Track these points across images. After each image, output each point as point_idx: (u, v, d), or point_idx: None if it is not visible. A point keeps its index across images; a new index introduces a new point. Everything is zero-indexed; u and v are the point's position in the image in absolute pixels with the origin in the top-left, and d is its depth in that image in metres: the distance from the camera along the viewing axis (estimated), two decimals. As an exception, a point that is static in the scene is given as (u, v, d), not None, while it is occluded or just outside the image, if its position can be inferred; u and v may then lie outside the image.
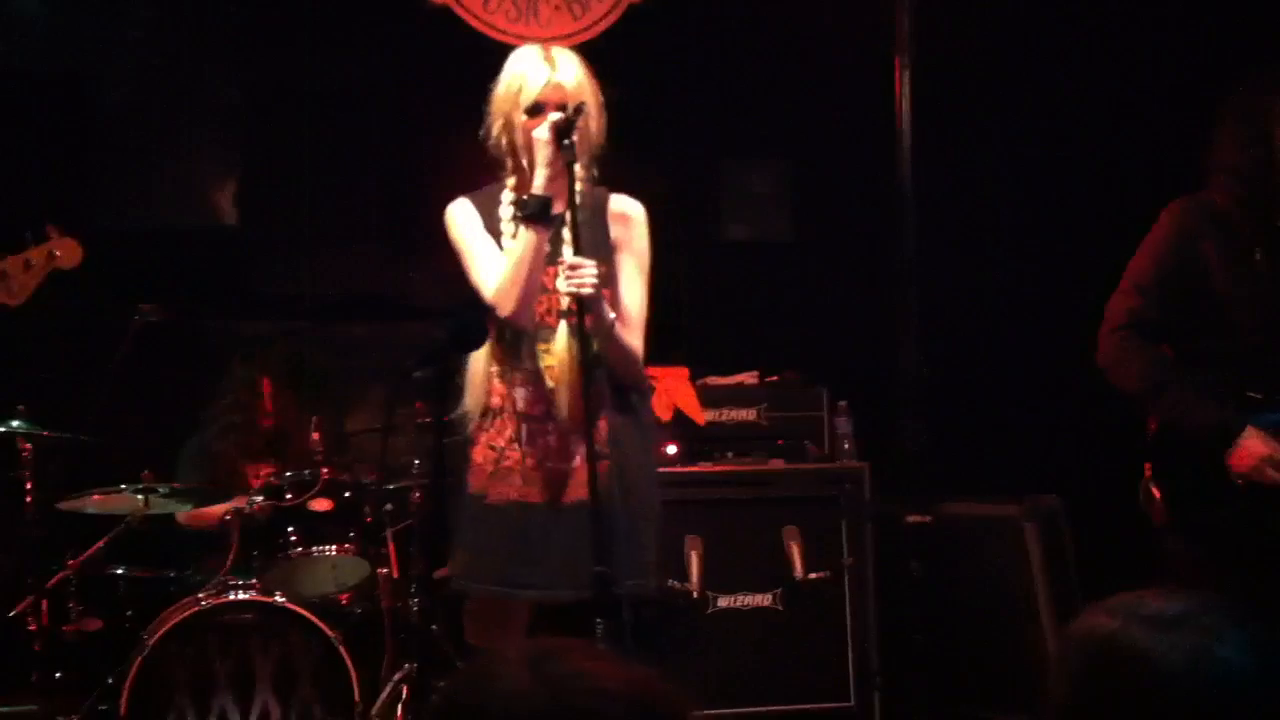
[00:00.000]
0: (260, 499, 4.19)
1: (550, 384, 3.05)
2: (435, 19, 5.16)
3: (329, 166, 5.28)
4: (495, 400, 3.11)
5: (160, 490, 4.13)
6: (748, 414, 4.79)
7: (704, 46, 5.42)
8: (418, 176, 5.02)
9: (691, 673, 4.31)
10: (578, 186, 2.95)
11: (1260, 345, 3.26)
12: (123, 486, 4.10)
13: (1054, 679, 1.43)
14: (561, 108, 2.97)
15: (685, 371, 4.83)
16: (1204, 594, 1.42)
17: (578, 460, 3.03)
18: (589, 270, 2.89)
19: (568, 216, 2.98)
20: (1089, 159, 5.19)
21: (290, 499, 4.19)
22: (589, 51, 5.18)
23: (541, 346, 3.07)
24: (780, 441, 4.77)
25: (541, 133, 2.95)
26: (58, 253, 3.21)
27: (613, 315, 3.05)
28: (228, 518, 4.19)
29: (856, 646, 4.57)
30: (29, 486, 4.05)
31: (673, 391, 4.76)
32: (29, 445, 4.03)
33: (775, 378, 4.91)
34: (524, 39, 5.21)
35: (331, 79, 5.22)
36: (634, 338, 3.13)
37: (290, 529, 4.20)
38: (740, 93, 5.46)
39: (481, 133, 3.14)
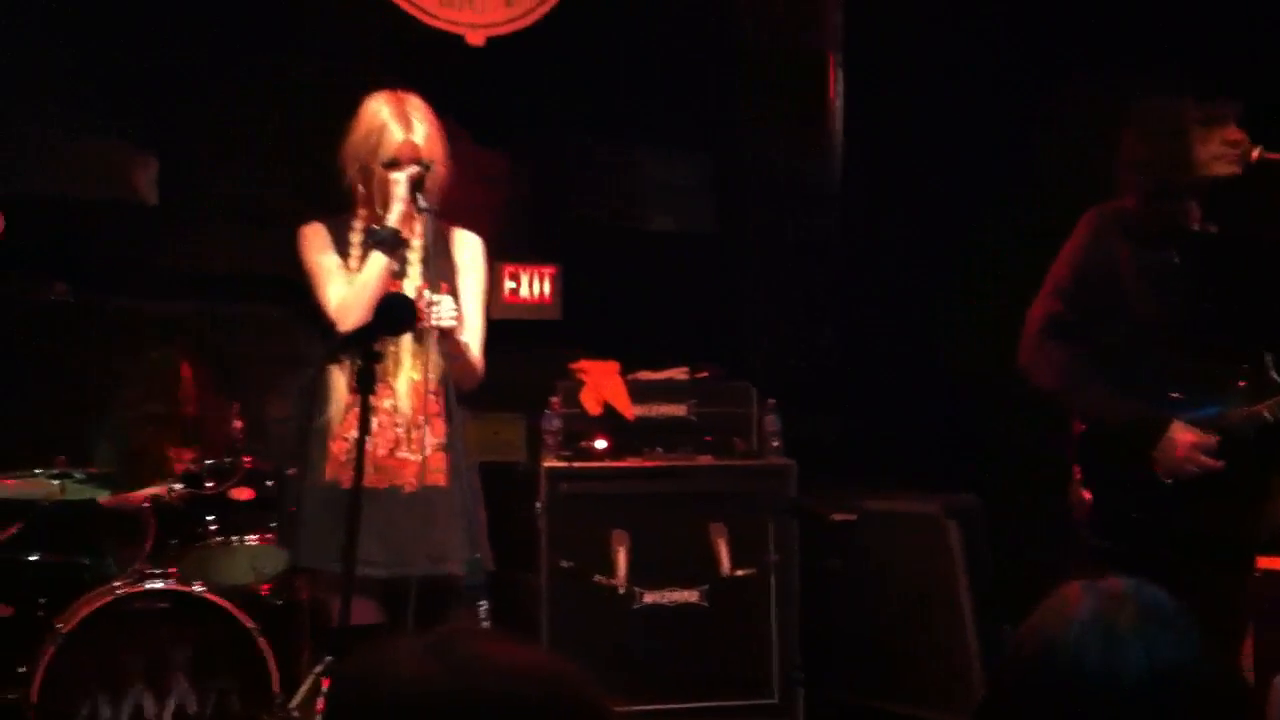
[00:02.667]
0: (179, 486, 4.12)
1: (393, 382, 3.40)
2: (366, 1, 5.09)
3: (247, 146, 5.19)
4: (350, 398, 3.38)
5: (76, 476, 4.05)
6: (677, 409, 4.78)
7: (636, 36, 5.41)
8: (329, 156, 4.93)
9: (616, 667, 4.30)
10: (430, 220, 3.35)
11: (1175, 346, 3.32)
12: (37, 471, 4.01)
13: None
14: (416, 161, 3.36)
15: (616, 366, 4.82)
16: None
17: (427, 451, 3.40)
18: (448, 306, 3.31)
19: (419, 253, 3.42)
20: (1017, 159, 5.24)
21: (210, 487, 4.12)
22: (521, 39, 5.27)
23: (391, 348, 3.39)
24: (709, 437, 4.77)
25: (400, 184, 3.34)
26: None
27: (465, 339, 3.41)
28: (145, 504, 4.11)
29: (781, 643, 4.58)
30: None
31: (602, 386, 4.74)
32: (-61, 428, 3.93)
33: (705, 374, 4.91)
34: (456, 24, 5.18)
35: (256, 58, 5.13)
36: (475, 350, 3.48)
37: (210, 518, 4.13)
38: (669, 83, 5.45)
39: (337, 170, 3.48)
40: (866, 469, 4.92)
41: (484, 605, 3.09)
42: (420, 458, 3.40)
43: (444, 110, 5.14)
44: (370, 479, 3.28)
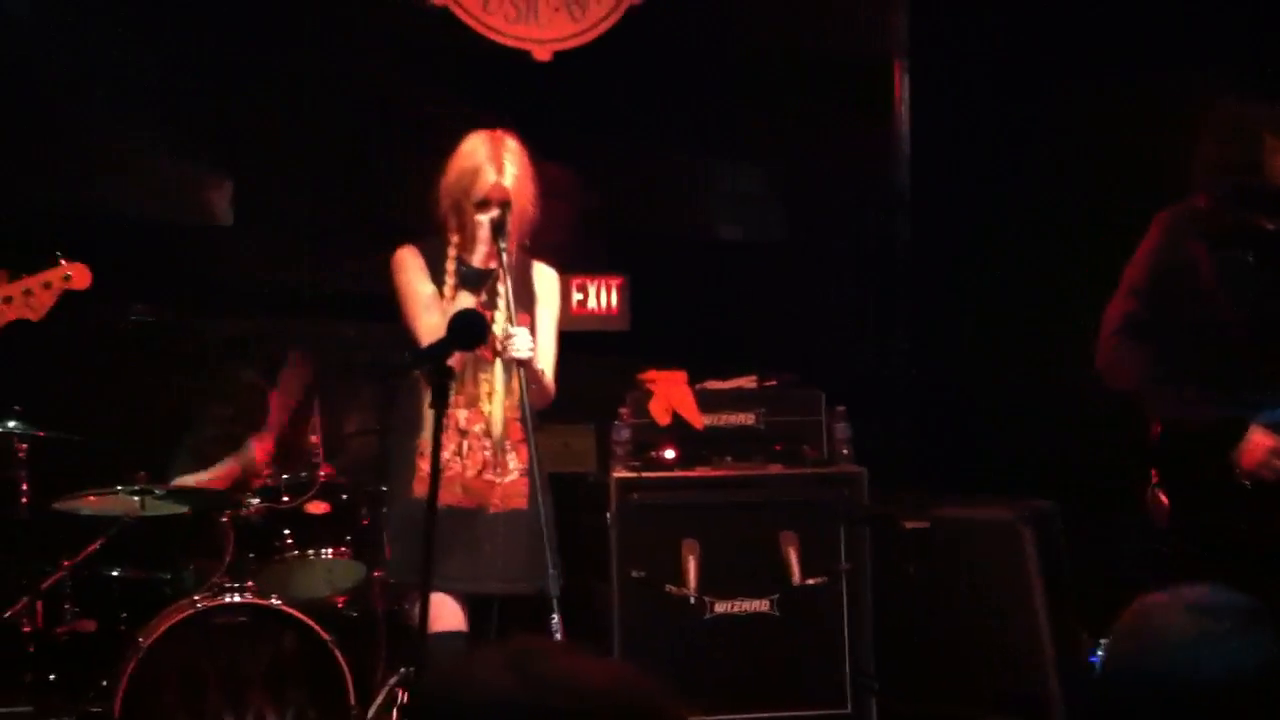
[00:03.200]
0: (256, 501, 4.18)
1: (486, 408, 3.60)
2: (435, 20, 5.15)
3: (324, 166, 5.27)
4: (451, 418, 3.55)
5: (156, 492, 4.12)
6: (746, 418, 4.77)
7: (702, 48, 5.42)
8: (412, 176, 5.00)
9: (688, 677, 4.30)
10: (507, 258, 3.54)
11: (1251, 344, 3.29)
12: (118, 488, 4.09)
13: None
14: (502, 204, 3.56)
15: (683, 375, 4.82)
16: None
17: (511, 475, 3.61)
18: (524, 340, 3.49)
19: (501, 288, 3.58)
20: (1090, 162, 5.18)
21: (287, 501, 4.18)
22: (587, 53, 5.30)
23: (482, 375, 3.60)
24: (778, 446, 4.75)
25: (483, 228, 3.55)
26: (70, 274, 3.58)
27: (540, 367, 3.61)
28: (224, 519, 4.17)
29: (853, 651, 4.55)
30: (24, 487, 4.05)
31: (671, 396, 4.74)
32: (24, 446, 4.02)
33: (773, 382, 4.89)
34: (523, 41, 5.23)
35: (328, 79, 5.20)
36: (549, 375, 3.68)
37: (286, 531, 4.19)
38: (731, 92, 5.46)
39: (431, 203, 3.68)
40: (940, 476, 4.88)
41: (555, 619, 3.21)
42: (504, 481, 3.61)
43: (512, 125, 5.21)
44: (458, 498, 3.54)
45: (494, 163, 3.58)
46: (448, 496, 3.47)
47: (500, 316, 3.59)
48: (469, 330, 3.21)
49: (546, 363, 3.65)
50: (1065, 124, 5.25)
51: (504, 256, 3.52)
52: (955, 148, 5.31)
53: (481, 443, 3.58)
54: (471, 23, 5.16)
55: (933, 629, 4.63)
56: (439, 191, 3.66)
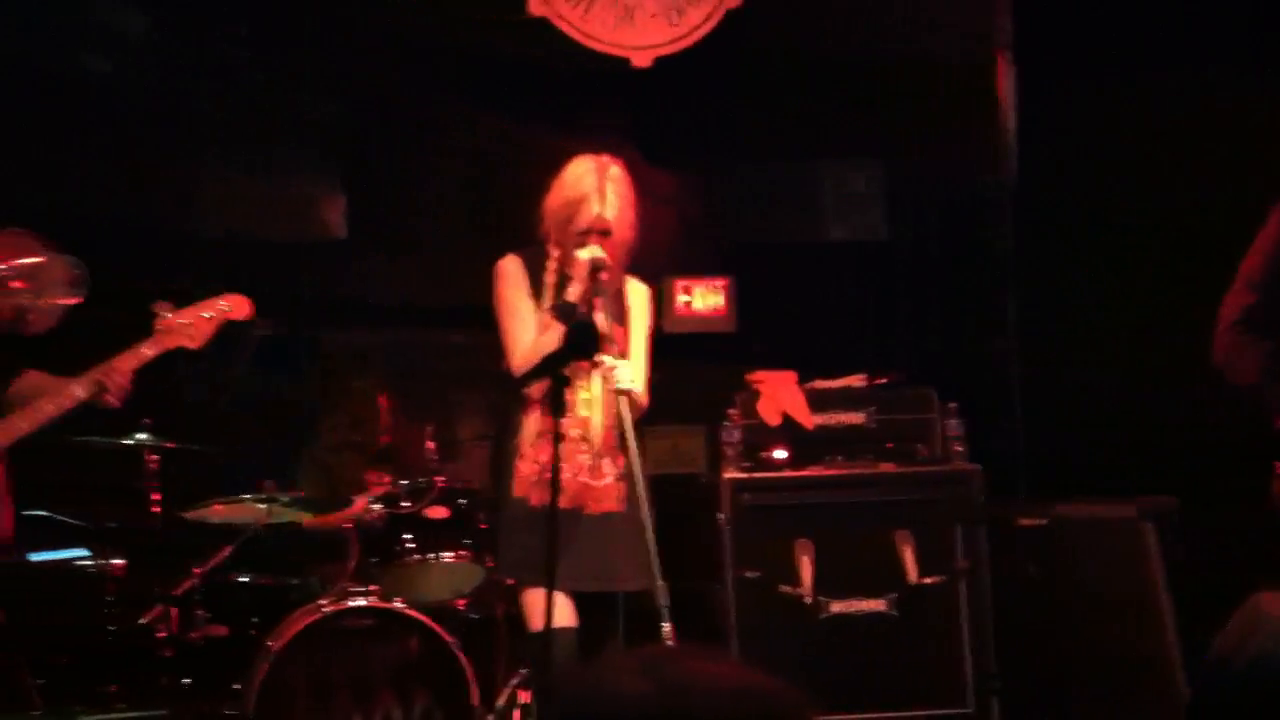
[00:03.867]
0: (378, 506, 4.27)
1: (584, 413, 3.68)
2: (533, 30, 5.21)
3: (435, 180, 5.36)
4: (540, 422, 3.67)
5: (281, 499, 4.23)
6: (856, 417, 4.76)
7: (803, 48, 5.40)
8: (518, 185, 5.08)
9: (806, 678, 4.29)
10: (604, 276, 3.64)
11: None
12: (245, 496, 4.20)
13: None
14: (603, 232, 3.66)
15: (793, 375, 4.82)
16: None
17: (606, 480, 3.69)
18: (626, 372, 3.57)
19: (599, 319, 3.64)
20: (1202, 153, 5.08)
21: (407, 507, 4.26)
22: (688, 57, 5.32)
23: (579, 382, 3.67)
24: (890, 444, 4.74)
25: (583, 266, 3.63)
26: (227, 305, 3.70)
27: (638, 389, 3.67)
28: (348, 525, 4.28)
29: (973, 651, 4.52)
30: (155, 497, 4.18)
31: (780, 396, 4.75)
32: (155, 457, 4.15)
33: (883, 380, 4.87)
34: (622, 48, 5.26)
35: (435, 94, 5.30)
36: (641, 386, 3.74)
37: (407, 536, 4.27)
38: (838, 93, 5.44)
39: (535, 218, 3.76)
40: (1057, 474, 4.82)
41: (667, 627, 3.24)
42: (600, 484, 3.70)
43: (614, 133, 5.26)
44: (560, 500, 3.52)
45: (598, 193, 3.66)
46: (546, 497, 3.52)
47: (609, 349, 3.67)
48: (585, 341, 3.33)
49: (638, 375, 3.73)
50: (1175, 116, 5.15)
51: (599, 298, 3.64)
52: (1062, 143, 5.23)
53: (579, 447, 3.67)
54: (571, 31, 5.20)
55: (1055, 628, 4.58)
56: (544, 210, 3.75)
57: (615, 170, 3.73)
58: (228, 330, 3.76)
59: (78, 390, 3.38)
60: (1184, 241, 4.99)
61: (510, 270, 3.77)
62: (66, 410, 3.50)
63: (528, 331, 3.70)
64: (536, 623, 3.61)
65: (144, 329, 3.70)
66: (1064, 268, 5.23)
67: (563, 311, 3.62)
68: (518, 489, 3.70)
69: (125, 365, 3.45)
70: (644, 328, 3.86)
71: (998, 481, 4.72)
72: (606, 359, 3.60)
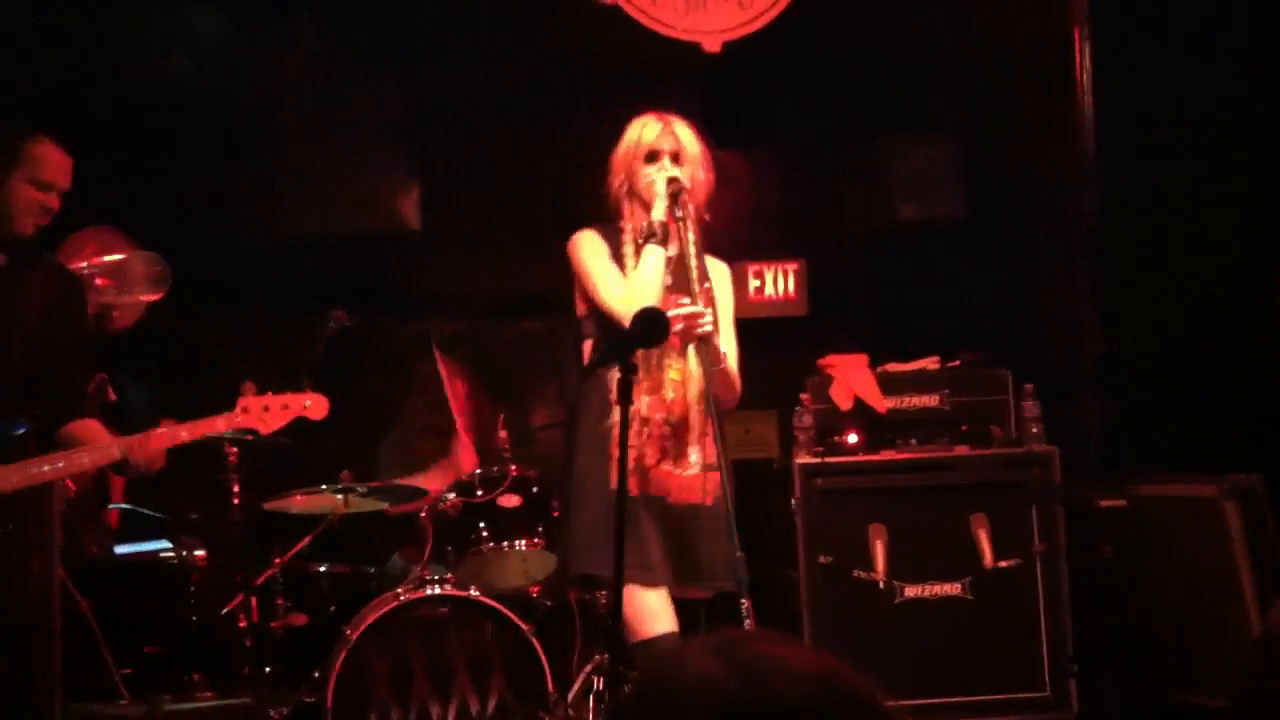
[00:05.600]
0: (452, 495, 4.31)
1: (670, 395, 3.47)
2: (605, 18, 5.20)
3: (501, 168, 5.39)
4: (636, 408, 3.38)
5: (359, 489, 4.28)
6: (930, 400, 4.72)
7: (874, 26, 5.35)
8: (588, 172, 5.08)
9: (881, 662, 4.28)
10: (686, 225, 3.43)
11: None
12: (323, 486, 4.26)
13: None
14: (675, 157, 3.50)
15: (865, 359, 4.79)
16: None
17: (692, 469, 3.46)
18: (706, 316, 3.35)
19: (691, 262, 3.44)
20: (1276, 124, 4.97)
21: (480, 495, 4.30)
22: (758, 39, 5.29)
23: (668, 362, 3.48)
24: (964, 427, 4.69)
25: (659, 182, 3.45)
26: (308, 404, 3.61)
27: (724, 350, 3.47)
28: (423, 514, 4.32)
29: (1050, 634, 4.47)
30: (235, 489, 4.25)
31: (852, 379, 4.72)
32: (234, 449, 4.22)
33: (956, 362, 4.83)
34: (692, 32, 5.25)
35: (501, 84, 5.32)
36: (733, 369, 3.56)
37: (481, 524, 4.30)
38: (909, 70, 5.38)
39: (604, 187, 3.60)
40: (1139, 454, 4.74)
41: (745, 604, 3.14)
42: (684, 474, 3.46)
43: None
44: (637, 486, 3.38)
45: (662, 122, 3.55)
46: (649, 489, 3.43)
47: (694, 288, 3.44)
48: (652, 327, 3.13)
49: (730, 357, 3.55)
50: (1257, 86, 5.05)
51: (684, 224, 3.42)
52: (1141, 118, 5.13)
53: (662, 430, 3.47)
54: (641, 18, 5.20)
55: (1135, 609, 4.52)
56: (611, 170, 3.60)
57: (679, 121, 3.60)
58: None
59: (114, 451, 3.34)
60: (1264, 215, 4.89)
61: (588, 239, 3.60)
62: (99, 466, 3.49)
63: (621, 285, 3.50)
64: (640, 627, 3.39)
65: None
66: (1144, 242, 5.13)
67: (648, 231, 3.45)
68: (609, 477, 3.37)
69: (162, 442, 3.36)
70: (729, 307, 3.65)
71: (1078, 462, 4.65)
72: (685, 303, 3.37)
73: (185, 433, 3.43)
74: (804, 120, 5.44)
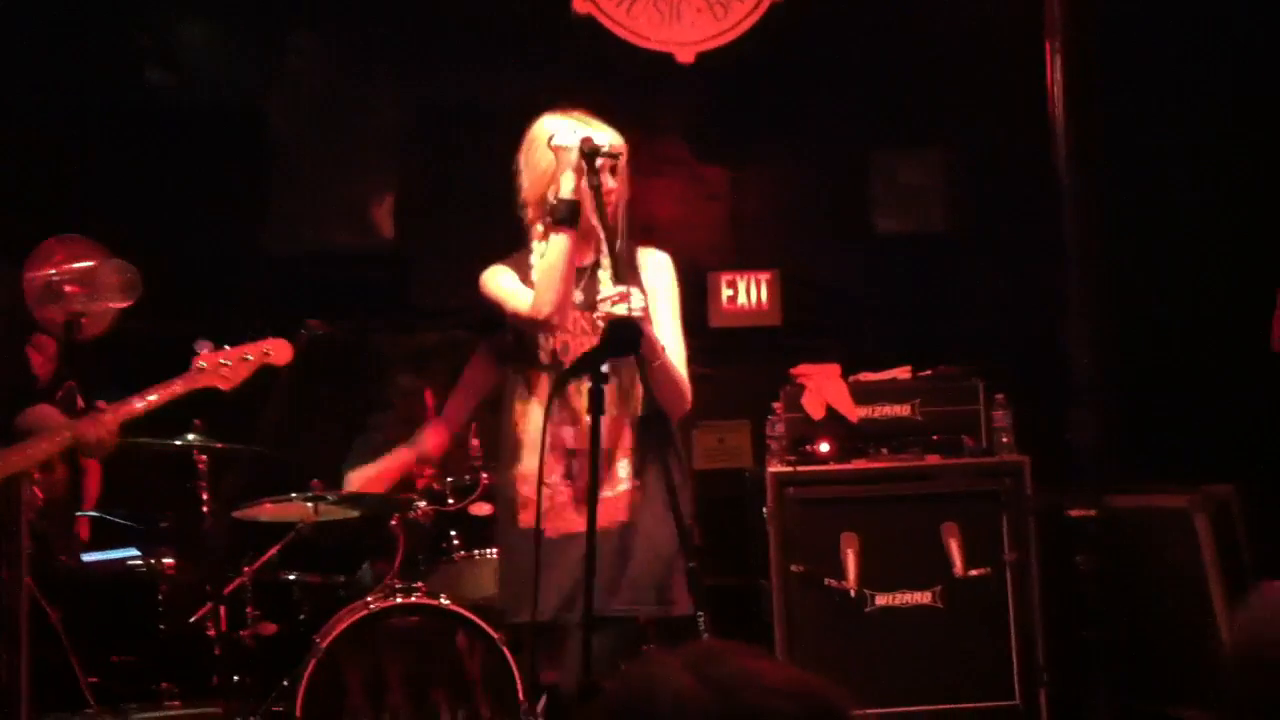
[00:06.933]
0: (424, 504, 4.30)
1: (585, 418, 3.06)
2: (580, 31, 5.20)
3: (482, 180, 5.37)
4: (549, 439, 3.16)
5: (329, 498, 4.26)
6: (902, 409, 4.74)
7: (849, 39, 5.37)
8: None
9: (852, 670, 4.29)
10: (603, 201, 3.11)
11: None
12: (293, 495, 4.24)
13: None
14: (585, 142, 3.14)
15: (837, 368, 4.80)
16: None
17: (621, 486, 3.21)
18: (636, 297, 3.11)
19: (604, 256, 3.19)
20: (1258, 139, 5.01)
21: (452, 504, 4.29)
22: (733, 51, 5.30)
23: (587, 387, 3.05)
24: (936, 436, 4.71)
25: (570, 151, 3.13)
26: (269, 351, 3.55)
27: (661, 343, 3.18)
28: (394, 522, 4.30)
29: (1021, 643, 4.49)
30: (205, 497, 4.22)
31: (825, 389, 4.74)
32: (204, 457, 4.19)
33: (928, 372, 4.85)
34: (668, 44, 5.26)
35: (481, 95, 5.31)
36: (679, 369, 3.26)
37: (453, 533, 4.29)
38: (886, 82, 5.40)
39: (518, 201, 3.32)
40: (1114, 465, 4.76)
41: (701, 616, 3.00)
42: (612, 494, 3.19)
43: (663, 131, 5.25)
44: (571, 524, 3.17)
45: (567, 114, 3.25)
46: (561, 524, 3.19)
47: (605, 276, 3.19)
48: (621, 335, 2.95)
49: (676, 358, 3.24)
50: (1235, 96, 5.08)
51: (602, 203, 3.09)
52: (1118, 129, 5.16)
53: (578, 460, 3.18)
54: (616, 29, 5.20)
55: (1106, 619, 4.54)
56: (521, 185, 3.30)
57: (589, 116, 3.28)
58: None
59: (65, 434, 3.27)
60: (1244, 227, 4.93)
61: (493, 272, 3.33)
62: (55, 452, 3.38)
63: (529, 292, 3.22)
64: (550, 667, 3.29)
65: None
66: (1122, 254, 5.16)
67: (558, 211, 3.13)
68: (524, 517, 3.23)
69: (117, 416, 3.28)
70: (671, 300, 3.32)
71: (1053, 472, 4.67)
72: (607, 284, 3.11)
73: (140, 402, 3.35)
74: (781, 131, 5.45)
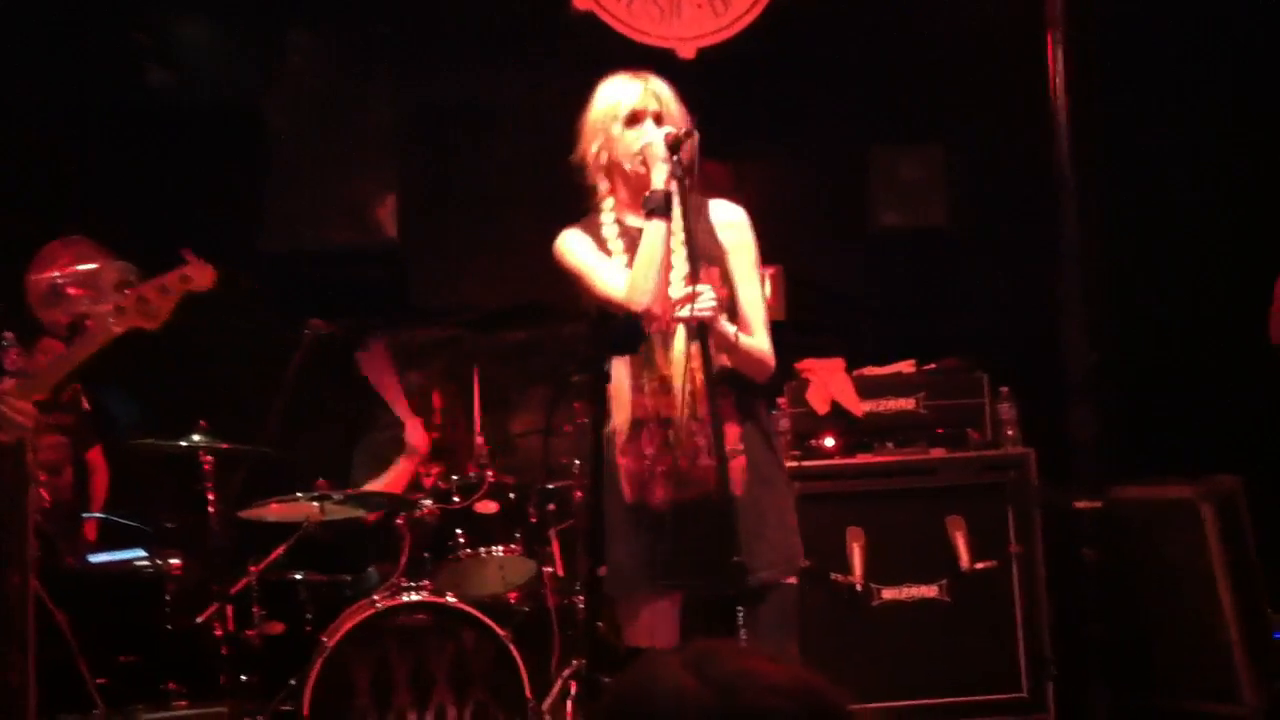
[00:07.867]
0: (429, 502, 4.30)
1: (679, 383, 3.09)
2: (580, 27, 5.20)
3: (484, 178, 5.38)
4: (640, 411, 3.15)
5: (335, 497, 4.27)
6: (906, 403, 4.73)
7: (850, 35, 5.37)
8: (568, 184, 5.07)
9: (858, 664, 4.29)
10: (683, 191, 3.05)
11: None
12: (299, 494, 4.25)
13: None
14: (657, 118, 3.12)
15: (841, 363, 4.80)
16: None
17: (704, 460, 3.09)
18: (706, 296, 3.01)
19: (680, 233, 3.09)
20: (1257, 133, 5.00)
21: (458, 502, 4.30)
22: (733, 47, 5.30)
23: (667, 356, 3.12)
24: (941, 430, 4.70)
25: (656, 144, 3.07)
26: (190, 276, 3.18)
27: (733, 329, 3.13)
28: (400, 521, 4.31)
29: (1027, 635, 4.48)
30: (211, 498, 4.23)
31: (829, 383, 4.73)
32: (210, 458, 4.20)
33: (933, 366, 4.84)
34: (667, 39, 5.25)
35: (481, 94, 5.31)
36: (759, 338, 3.20)
37: (459, 531, 4.30)
38: (887, 79, 5.39)
39: (575, 157, 3.24)
40: (1119, 457, 4.76)
41: (741, 611, 2.94)
42: (698, 466, 3.11)
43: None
44: (675, 493, 3.13)
45: (641, 80, 3.18)
46: (664, 494, 3.13)
47: (678, 273, 3.10)
48: (620, 333, 2.90)
49: (756, 320, 3.17)
50: (1236, 90, 5.07)
51: (682, 186, 3.02)
52: (1119, 122, 5.15)
53: (689, 427, 3.09)
54: (616, 24, 5.20)
55: (1113, 611, 4.53)
56: (582, 137, 3.21)
57: (656, 78, 3.22)
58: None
59: None
60: (1245, 219, 4.93)
61: (569, 239, 3.23)
62: None
63: (618, 270, 3.14)
64: (630, 637, 3.20)
65: None
66: (1123, 248, 5.15)
67: (653, 202, 3.06)
68: (629, 491, 3.15)
69: (28, 395, 3.00)
70: (749, 258, 3.25)
71: (1058, 465, 4.67)
72: (680, 283, 3.03)
73: (64, 364, 3.07)
74: (781, 127, 5.44)
